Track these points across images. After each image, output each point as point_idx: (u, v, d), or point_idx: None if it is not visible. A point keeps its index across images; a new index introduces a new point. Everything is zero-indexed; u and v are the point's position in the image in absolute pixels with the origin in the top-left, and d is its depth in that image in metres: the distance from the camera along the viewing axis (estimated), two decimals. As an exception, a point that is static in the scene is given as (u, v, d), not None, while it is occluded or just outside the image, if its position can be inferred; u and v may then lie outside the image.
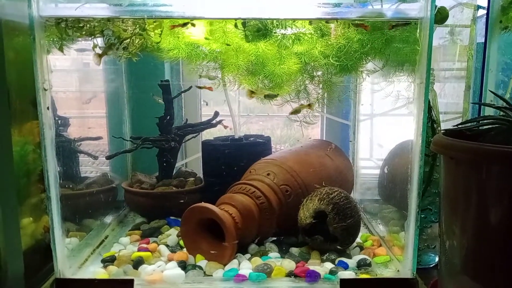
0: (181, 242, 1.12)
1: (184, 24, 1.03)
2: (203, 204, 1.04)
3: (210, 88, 1.32)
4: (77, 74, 1.39)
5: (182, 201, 1.31)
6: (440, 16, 1.04)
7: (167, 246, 1.14)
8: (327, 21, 1.08)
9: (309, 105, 1.22)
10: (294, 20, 1.09)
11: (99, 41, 1.13)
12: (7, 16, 0.92)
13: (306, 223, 1.07)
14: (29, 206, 1.02)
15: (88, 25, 1.04)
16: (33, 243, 1.02)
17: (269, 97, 1.20)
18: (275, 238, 1.18)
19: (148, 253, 1.07)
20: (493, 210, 0.72)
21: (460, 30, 1.26)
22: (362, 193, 1.53)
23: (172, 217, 1.32)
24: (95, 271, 1.00)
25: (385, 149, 1.26)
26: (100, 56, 1.11)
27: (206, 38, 1.16)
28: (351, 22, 1.05)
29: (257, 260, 1.03)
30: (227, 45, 1.16)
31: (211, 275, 0.98)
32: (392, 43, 1.10)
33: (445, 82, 1.32)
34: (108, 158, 1.41)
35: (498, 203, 0.72)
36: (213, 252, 1.03)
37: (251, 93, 1.18)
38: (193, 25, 1.04)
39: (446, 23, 1.08)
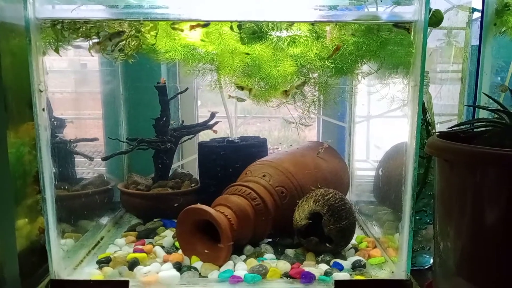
0: (177, 244, 1.12)
1: (205, 25, 1.05)
2: (198, 205, 1.04)
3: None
4: (74, 75, 1.39)
5: (176, 205, 1.30)
6: (435, 19, 1.04)
7: (163, 247, 1.13)
8: (312, 24, 1.09)
9: (248, 87, 1.23)
10: (289, 22, 1.10)
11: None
12: (4, 18, 0.93)
13: (301, 224, 1.07)
14: (25, 208, 1.02)
15: (84, 27, 1.04)
16: (28, 244, 1.02)
17: (301, 86, 1.20)
18: (270, 240, 1.18)
19: (144, 255, 1.07)
20: (487, 212, 0.73)
21: (456, 32, 1.27)
22: (357, 194, 1.54)
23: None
24: (91, 272, 1.00)
25: (381, 151, 1.26)
26: (99, 44, 1.09)
27: (202, 40, 1.17)
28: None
29: (252, 262, 1.03)
30: (247, 54, 1.17)
31: (207, 277, 0.98)
32: (387, 46, 1.10)
33: (441, 84, 1.32)
34: (104, 159, 1.41)
35: (492, 205, 0.72)
36: (208, 253, 1.03)
37: (285, 92, 1.18)
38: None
39: (441, 25, 1.09)
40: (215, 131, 1.49)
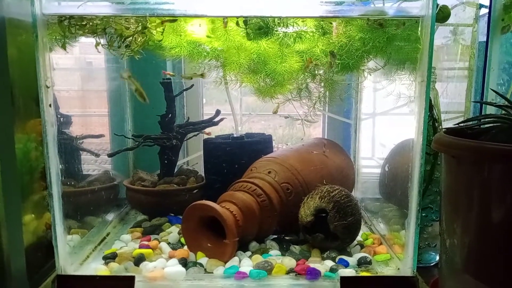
0: (182, 240, 1.12)
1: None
2: (204, 201, 1.04)
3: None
4: (79, 72, 1.39)
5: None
6: (442, 14, 1.04)
7: (168, 243, 1.14)
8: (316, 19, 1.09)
9: (202, 75, 1.23)
10: (295, 18, 1.09)
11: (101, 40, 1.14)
12: (11, 14, 0.93)
13: (307, 221, 1.07)
14: (32, 203, 1.02)
15: (90, 23, 1.04)
16: (35, 240, 1.03)
17: (333, 59, 1.18)
18: (275, 236, 1.18)
19: (149, 250, 1.08)
20: (494, 209, 0.72)
21: (462, 29, 1.26)
22: (363, 191, 1.53)
23: (171, 214, 1.34)
24: (97, 267, 1.00)
25: (387, 148, 1.26)
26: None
27: (207, 36, 1.16)
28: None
29: (258, 258, 1.03)
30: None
31: (212, 272, 0.98)
32: (394, 42, 1.10)
33: (448, 82, 1.32)
34: (110, 155, 1.41)
35: (499, 201, 0.71)
36: (213, 248, 1.03)
37: (330, 64, 1.16)
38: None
39: (448, 22, 1.08)
40: (208, 133, 1.49)
